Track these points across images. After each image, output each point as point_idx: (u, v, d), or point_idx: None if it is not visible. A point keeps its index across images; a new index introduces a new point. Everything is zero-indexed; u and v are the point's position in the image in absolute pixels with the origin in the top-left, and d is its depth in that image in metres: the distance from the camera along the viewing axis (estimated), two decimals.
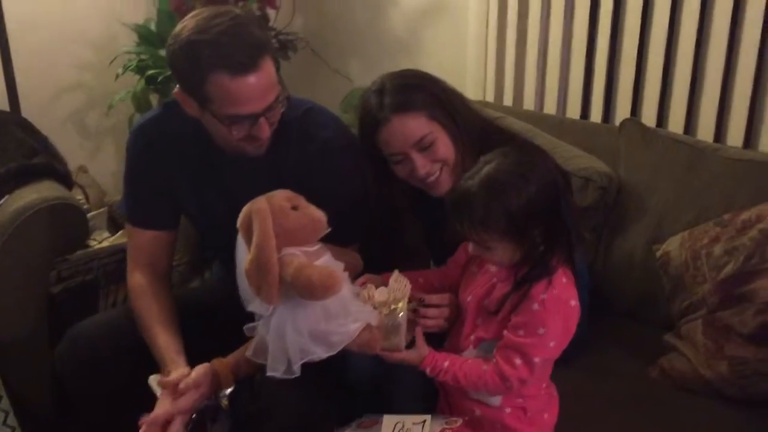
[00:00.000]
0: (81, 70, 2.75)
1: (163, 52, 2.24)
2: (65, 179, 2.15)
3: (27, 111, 2.51)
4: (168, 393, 1.44)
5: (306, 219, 1.33)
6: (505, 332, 1.33)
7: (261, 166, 1.54)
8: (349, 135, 1.62)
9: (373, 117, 1.50)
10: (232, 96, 1.37)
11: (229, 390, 1.51)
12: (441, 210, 1.41)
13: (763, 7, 1.81)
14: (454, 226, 1.35)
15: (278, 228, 1.28)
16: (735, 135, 1.94)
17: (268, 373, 1.33)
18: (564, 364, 1.40)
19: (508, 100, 2.42)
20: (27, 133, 2.20)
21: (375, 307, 1.37)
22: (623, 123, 1.99)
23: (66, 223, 1.95)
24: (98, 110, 2.76)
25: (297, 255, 1.30)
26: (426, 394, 1.50)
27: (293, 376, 1.33)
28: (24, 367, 1.94)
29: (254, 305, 1.32)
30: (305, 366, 1.52)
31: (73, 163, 2.72)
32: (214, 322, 1.64)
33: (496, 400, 1.40)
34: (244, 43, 1.36)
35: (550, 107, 2.34)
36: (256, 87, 1.38)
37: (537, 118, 2.21)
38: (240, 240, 1.34)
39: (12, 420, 1.89)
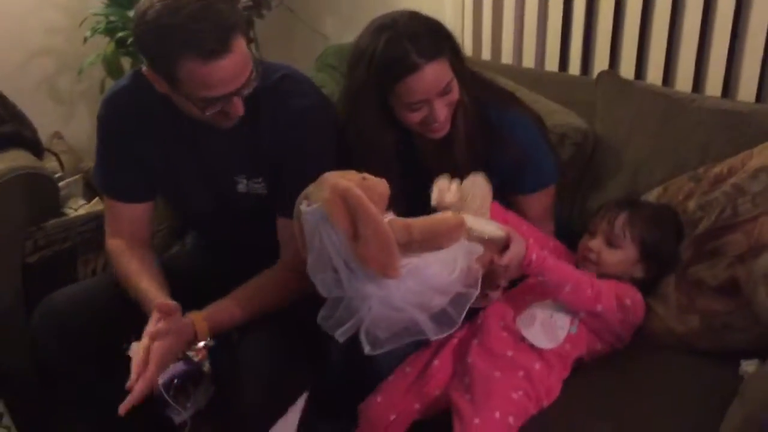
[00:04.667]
0: (51, 33, 2.70)
1: (132, 13, 2.19)
2: (35, 147, 2.11)
3: None
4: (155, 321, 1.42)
5: (381, 184, 1.27)
6: None
7: (236, 135, 1.52)
8: (324, 102, 1.60)
9: (402, 64, 1.44)
10: (205, 80, 1.35)
11: (202, 343, 1.51)
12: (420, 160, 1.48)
13: None
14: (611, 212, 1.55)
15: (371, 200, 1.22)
16: (714, 85, 1.91)
17: (375, 352, 1.27)
18: None
19: (486, 55, 2.39)
20: None
21: (447, 208, 1.34)
22: (599, 75, 1.96)
23: (36, 193, 1.93)
24: (70, 75, 2.72)
25: (392, 217, 1.25)
26: (402, 350, 1.49)
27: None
28: (1, 339, 1.93)
29: (371, 287, 1.23)
30: (282, 325, 1.52)
31: (47, 130, 2.69)
32: (191, 288, 1.62)
33: (549, 343, 1.43)
34: (213, 26, 1.33)
35: (529, 61, 2.30)
36: (228, 69, 1.36)
37: (516, 72, 2.17)
38: (324, 228, 1.23)
39: (7, 420, 1.89)
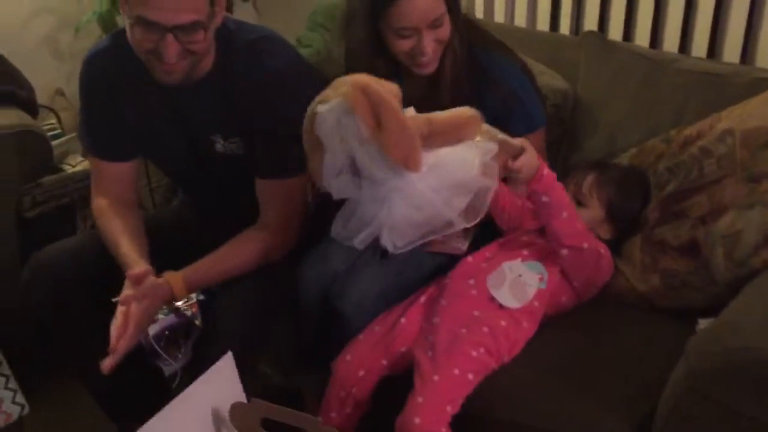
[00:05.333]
0: None
1: None
2: (29, 106, 2.15)
3: None
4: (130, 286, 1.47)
5: (392, 85, 1.28)
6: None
7: (210, 95, 1.54)
8: (298, 63, 1.60)
9: None
10: None
11: (180, 303, 1.56)
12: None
13: None
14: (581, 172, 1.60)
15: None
16: (700, 47, 1.90)
17: (397, 251, 1.31)
18: None
19: (479, 13, 2.38)
20: None
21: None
22: (583, 36, 1.96)
23: (29, 151, 1.96)
24: (70, 32, 2.73)
25: (411, 111, 1.28)
26: (373, 310, 1.55)
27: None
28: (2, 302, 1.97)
29: (394, 181, 1.25)
30: (258, 282, 1.57)
31: (50, 87, 2.74)
32: (176, 244, 1.67)
33: (517, 303, 1.46)
34: None
35: (520, 20, 2.30)
36: None
37: (506, 31, 2.14)
38: (346, 121, 1.25)
39: (13, 383, 1.95)
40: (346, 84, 1.24)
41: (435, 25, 1.51)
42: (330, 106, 1.25)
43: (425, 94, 1.61)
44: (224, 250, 1.58)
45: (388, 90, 1.25)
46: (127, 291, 1.47)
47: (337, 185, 1.30)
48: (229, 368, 1.24)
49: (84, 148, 1.71)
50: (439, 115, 1.27)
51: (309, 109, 1.29)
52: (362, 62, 1.57)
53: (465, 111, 1.28)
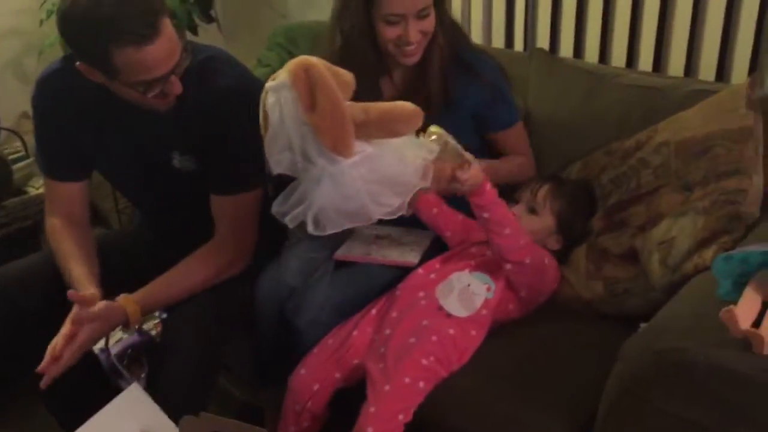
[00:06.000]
0: (16, 14, 2.74)
1: None
2: None
3: None
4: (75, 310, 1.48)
5: (347, 74, 1.30)
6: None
7: (164, 116, 1.56)
8: (249, 82, 1.63)
9: None
10: (141, 65, 1.40)
11: (137, 325, 1.57)
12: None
13: None
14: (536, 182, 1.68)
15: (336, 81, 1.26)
16: (646, 61, 1.96)
17: (318, 233, 1.32)
18: None
19: None
20: None
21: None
22: (532, 52, 2.02)
23: None
24: (35, 56, 2.76)
25: (354, 104, 1.28)
26: (327, 323, 1.58)
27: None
28: None
29: (323, 161, 1.26)
30: (209, 301, 1.59)
31: (15, 110, 2.76)
32: (132, 265, 1.69)
33: (465, 312, 1.50)
34: (140, 12, 1.37)
35: (476, 37, 2.35)
36: (161, 51, 1.40)
37: None
38: (286, 101, 1.26)
39: None
40: (293, 62, 1.26)
41: (421, 15, 1.60)
42: (275, 82, 1.28)
43: (414, 84, 1.71)
44: (178, 270, 1.60)
45: (341, 78, 1.26)
46: (80, 310, 1.48)
47: (277, 161, 1.31)
48: (138, 394, 1.33)
49: (38, 167, 1.73)
50: (377, 105, 1.28)
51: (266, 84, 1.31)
52: (356, 49, 1.66)
53: (406, 105, 1.30)
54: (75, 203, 1.70)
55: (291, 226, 1.34)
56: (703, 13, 1.85)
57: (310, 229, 1.31)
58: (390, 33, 1.62)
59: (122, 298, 1.52)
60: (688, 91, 1.65)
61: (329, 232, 1.32)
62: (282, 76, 1.27)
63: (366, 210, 1.30)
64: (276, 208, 1.35)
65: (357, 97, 1.29)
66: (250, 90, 1.60)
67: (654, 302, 1.39)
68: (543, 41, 2.17)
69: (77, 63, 1.47)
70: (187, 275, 1.60)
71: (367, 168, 1.27)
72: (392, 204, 1.32)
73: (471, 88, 1.72)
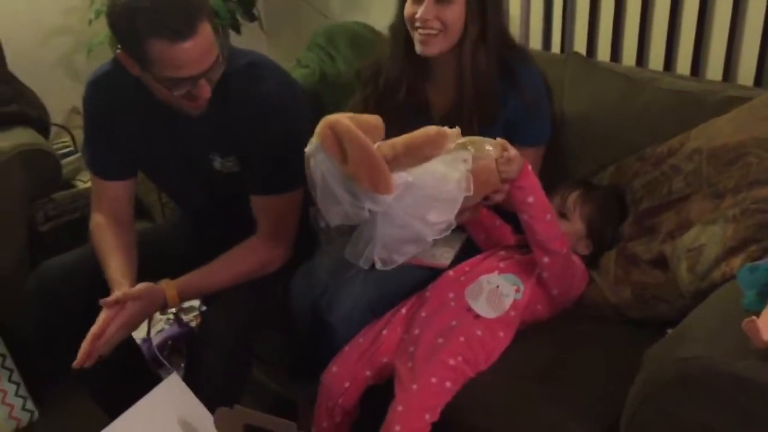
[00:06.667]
0: (66, 13, 2.83)
1: None
2: (40, 125, 2.25)
3: (13, 57, 2.60)
4: (108, 311, 1.53)
5: (372, 117, 1.39)
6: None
7: (206, 118, 1.60)
8: (291, 88, 1.67)
9: None
10: (171, 61, 1.43)
11: (174, 309, 1.63)
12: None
13: None
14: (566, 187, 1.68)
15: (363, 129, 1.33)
16: (684, 65, 1.96)
17: (387, 267, 1.43)
18: None
19: None
20: (1, 82, 2.29)
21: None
22: (568, 55, 2.02)
23: (39, 168, 2.06)
24: (84, 53, 2.84)
25: (382, 143, 1.37)
26: (359, 321, 1.61)
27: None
28: (9, 306, 2.02)
29: (370, 204, 1.34)
30: (246, 296, 1.64)
31: (65, 106, 2.85)
32: (172, 258, 1.75)
33: (494, 313, 1.52)
34: (181, 9, 1.41)
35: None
36: (194, 52, 1.43)
37: None
38: (322, 161, 1.36)
39: (23, 390, 2.00)
40: (320, 124, 1.34)
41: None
42: (311, 147, 1.37)
43: (453, 91, 1.71)
44: (219, 262, 1.66)
45: (367, 123, 1.35)
46: (125, 289, 1.54)
47: (335, 215, 1.39)
48: (177, 383, 1.39)
49: (86, 165, 1.80)
50: (402, 138, 1.35)
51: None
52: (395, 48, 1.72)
53: (429, 130, 1.36)
54: (120, 202, 1.76)
55: (365, 267, 1.45)
56: (743, 17, 1.83)
57: (379, 266, 1.43)
58: (410, 8, 1.64)
59: (163, 282, 1.59)
60: (724, 96, 1.64)
61: (399, 262, 1.43)
62: (314, 140, 1.36)
63: (421, 234, 1.38)
64: (348, 252, 1.47)
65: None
66: (290, 93, 1.66)
67: (683, 309, 1.39)
68: (580, 44, 2.17)
69: (117, 51, 1.52)
70: (227, 267, 1.65)
71: (410, 196, 1.35)
72: (442, 221, 1.39)
73: (510, 97, 1.69)
